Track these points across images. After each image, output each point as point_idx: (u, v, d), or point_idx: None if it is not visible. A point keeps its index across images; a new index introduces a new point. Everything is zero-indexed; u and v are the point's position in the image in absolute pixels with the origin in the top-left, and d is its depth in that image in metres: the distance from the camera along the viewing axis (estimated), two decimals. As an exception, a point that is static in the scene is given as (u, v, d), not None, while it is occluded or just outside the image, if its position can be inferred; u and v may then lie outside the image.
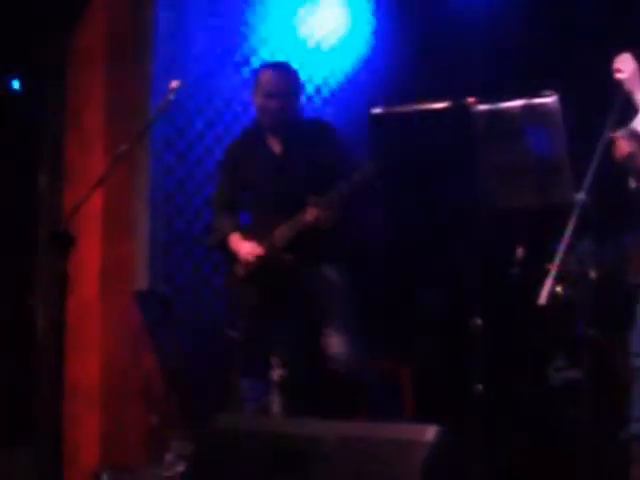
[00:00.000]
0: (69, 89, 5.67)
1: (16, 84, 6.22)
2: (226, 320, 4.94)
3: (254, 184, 4.80)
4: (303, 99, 4.88)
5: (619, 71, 3.85)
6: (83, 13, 5.60)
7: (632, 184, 3.88)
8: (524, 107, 3.93)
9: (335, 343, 4.60)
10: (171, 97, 4.29)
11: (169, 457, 5.56)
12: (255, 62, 6.17)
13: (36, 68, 5.79)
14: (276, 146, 4.78)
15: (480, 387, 4.75)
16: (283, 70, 4.78)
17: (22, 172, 5.98)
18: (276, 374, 4.72)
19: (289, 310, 4.71)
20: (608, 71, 3.91)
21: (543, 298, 3.42)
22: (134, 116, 5.51)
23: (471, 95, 4.06)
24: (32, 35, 5.61)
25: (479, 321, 5.05)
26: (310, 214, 4.50)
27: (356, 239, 6.13)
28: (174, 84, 4.28)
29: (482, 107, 4.10)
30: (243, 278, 4.72)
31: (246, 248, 4.68)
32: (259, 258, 4.64)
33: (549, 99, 3.88)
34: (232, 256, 4.77)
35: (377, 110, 4.51)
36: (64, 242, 3.73)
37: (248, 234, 4.74)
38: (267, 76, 4.74)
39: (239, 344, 4.85)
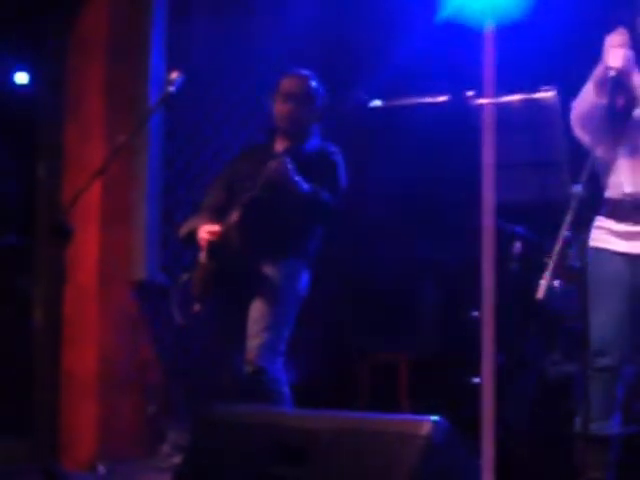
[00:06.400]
0: (69, 79, 5.67)
1: (18, 78, 6.24)
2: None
3: (240, 181, 4.78)
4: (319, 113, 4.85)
5: (611, 69, 3.79)
6: (84, 2, 5.60)
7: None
8: (523, 102, 3.93)
9: (249, 347, 4.58)
10: (170, 88, 4.29)
11: (165, 448, 5.58)
12: (253, 51, 6.20)
13: (37, 58, 5.79)
14: (280, 149, 4.79)
15: (477, 380, 4.77)
16: (302, 77, 4.85)
17: (21, 160, 5.99)
18: None
19: (241, 297, 4.68)
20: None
21: (541, 292, 3.43)
22: (134, 105, 5.52)
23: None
24: (33, 23, 5.62)
25: (477, 314, 5.07)
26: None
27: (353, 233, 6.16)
28: (173, 75, 4.28)
29: (481, 101, 4.10)
30: (204, 264, 4.67)
31: (203, 228, 4.67)
32: (214, 235, 4.60)
33: (548, 94, 3.89)
34: (198, 246, 4.74)
35: (376, 103, 4.51)
36: (62, 233, 3.73)
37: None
38: (287, 81, 4.83)
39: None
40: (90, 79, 5.61)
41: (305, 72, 4.90)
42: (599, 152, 3.80)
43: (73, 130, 5.66)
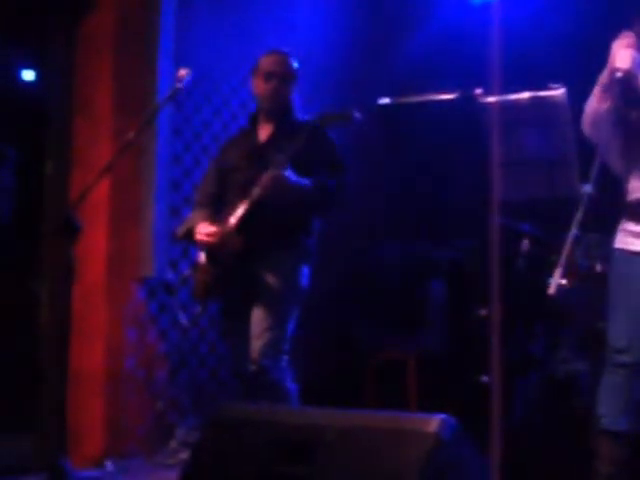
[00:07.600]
0: (78, 76, 5.67)
1: (27, 74, 6.25)
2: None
3: (231, 171, 4.77)
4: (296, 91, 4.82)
5: (618, 70, 3.78)
6: (92, 1, 5.61)
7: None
8: (532, 99, 3.92)
9: (253, 347, 4.56)
10: (179, 85, 4.29)
11: (173, 444, 5.58)
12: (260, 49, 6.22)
13: (45, 55, 5.79)
14: (264, 134, 4.76)
15: (485, 378, 4.77)
16: (282, 54, 4.80)
17: (30, 158, 5.99)
18: None
19: (243, 298, 4.67)
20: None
21: (552, 288, 3.44)
22: (142, 104, 5.51)
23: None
24: (42, 22, 5.62)
25: (484, 312, 5.07)
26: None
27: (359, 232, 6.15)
28: (182, 72, 4.29)
29: (490, 99, 4.09)
30: (205, 267, 4.65)
31: (200, 228, 4.65)
32: (212, 237, 4.58)
33: (557, 92, 3.88)
34: (196, 245, 4.72)
35: (384, 100, 4.50)
36: (71, 230, 3.73)
37: (215, 223, 4.66)
38: (267, 59, 4.78)
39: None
40: (98, 77, 5.62)
41: (284, 49, 4.85)
42: (611, 158, 3.80)
43: (81, 127, 5.66)
